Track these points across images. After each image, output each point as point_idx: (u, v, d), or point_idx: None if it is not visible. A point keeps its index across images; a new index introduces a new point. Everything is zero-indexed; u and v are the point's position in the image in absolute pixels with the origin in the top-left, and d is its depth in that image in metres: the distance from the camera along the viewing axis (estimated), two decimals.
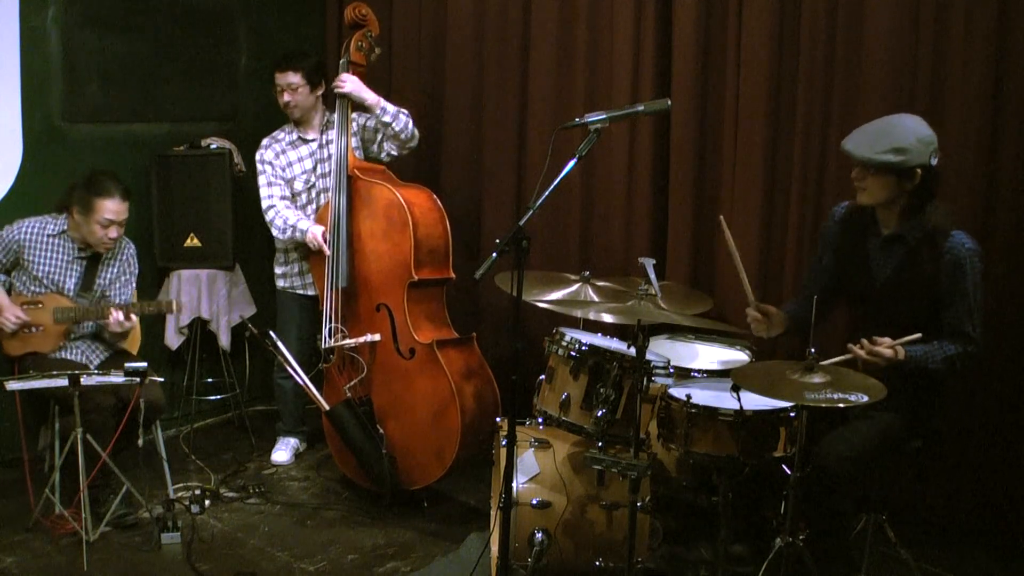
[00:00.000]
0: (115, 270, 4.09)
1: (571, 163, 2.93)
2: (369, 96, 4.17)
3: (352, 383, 4.05)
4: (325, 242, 4.11)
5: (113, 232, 3.92)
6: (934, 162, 3.03)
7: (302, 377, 4.03)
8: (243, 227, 4.77)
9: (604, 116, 2.97)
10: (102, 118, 4.62)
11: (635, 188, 4.32)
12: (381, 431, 3.99)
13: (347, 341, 4.06)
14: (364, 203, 4.10)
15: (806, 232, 3.93)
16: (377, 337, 4.03)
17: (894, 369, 2.99)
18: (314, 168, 4.37)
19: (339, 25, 5.33)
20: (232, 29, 5.09)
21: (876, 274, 3.19)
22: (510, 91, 4.67)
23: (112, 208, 3.88)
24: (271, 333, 4.07)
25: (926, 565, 3.47)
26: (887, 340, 2.96)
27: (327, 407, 4.00)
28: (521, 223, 2.84)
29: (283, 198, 4.34)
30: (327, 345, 4.10)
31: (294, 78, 4.28)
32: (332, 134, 4.29)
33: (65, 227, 3.98)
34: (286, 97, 4.31)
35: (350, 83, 4.17)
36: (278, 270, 4.48)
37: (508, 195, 4.71)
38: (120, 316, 3.85)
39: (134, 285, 4.19)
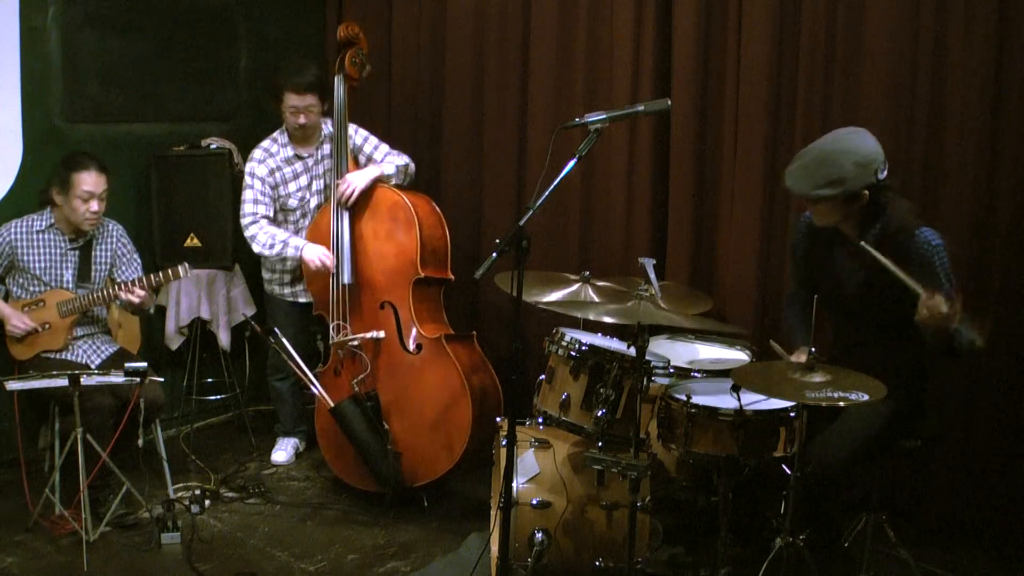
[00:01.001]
0: (108, 254, 4.10)
1: (571, 163, 2.93)
2: (373, 176, 4.12)
3: (358, 378, 4.06)
4: (328, 260, 4.07)
5: (94, 205, 3.91)
6: (881, 176, 2.99)
7: (307, 373, 4.05)
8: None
9: (604, 116, 2.97)
10: (102, 118, 4.62)
11: (635, 188, 4.32)
12: (386, 427, 4.00)
13: (351, 337, 4.07)
14: (365, 205, 4.13)
15: None
16: (381, 334, 4.05)
17: (889, 359, 3.00)
18: (309, 184, 4.32)
19: (339, 26, 5.33)
20: (232, 29, 5.08)
21: (846, 281, 3.17)
22: (510, 91, 4.67)
23: (90, 180, 3.88)
24: (275, 330, 4.09)
25: (926, 565, 3.46)
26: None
27: (332, 404, 4.01)
28: (521, 223, 2.83)
29: (265, 217, 4.25)
30: (333, 341, 4.11)
31: (312, 99, 4.15)
32: (327, 148, 4.29)
33: (52, 220, 3.99)
34: (302, 119, 4.16)
35: (353, 182, 4.07)
36: (266, 275, 4.47)
37: (508, 195, 4.71)
38: (127, 294, 3.83)
39: (139, 260, 4.20)
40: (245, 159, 4.78)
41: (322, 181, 4.32)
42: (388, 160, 4.25)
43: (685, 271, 4.19)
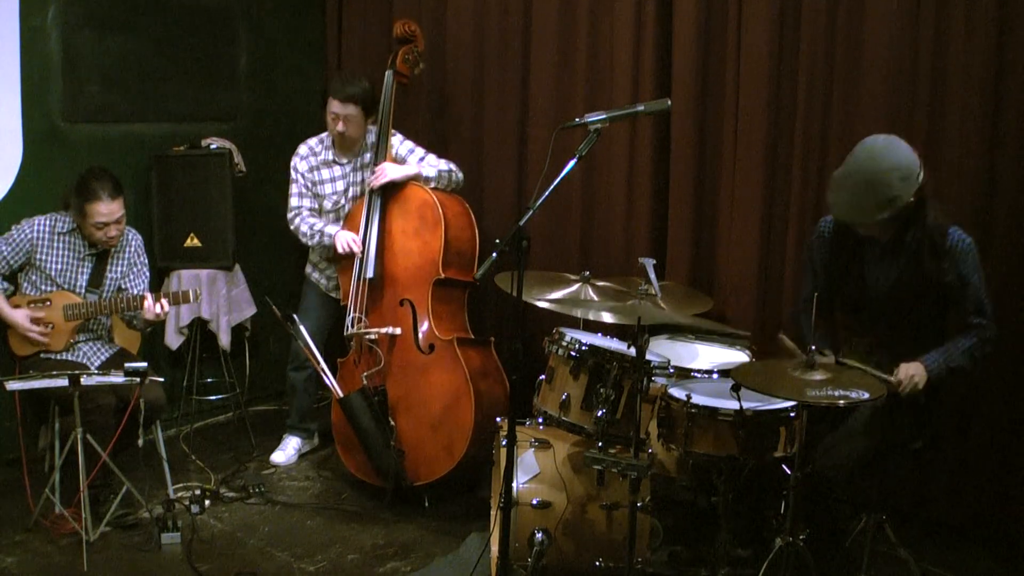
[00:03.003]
0: (124, 264, 4.09)
1: (571, 163, 2.93)
2: (408, 172, 4.15)
3: (369, 372, 4.07)
4: (356, 245, 4.12)
5: (112, 231, 3.91)
6: (920, 181, 2.99)
7: (320, 362, 4.07)
8: (243, 227, 4.76)
9: (604, 116, 2.98)
10: (102, 118, 4.62)
11: (635, 188, 4.32)
12: (392, 423, 4.01)
13: (368, 331, 4.09)
14: (397, 201, 4.16)
15: (806, 232, 3.92)
16: (398, 331, 4.07)
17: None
18: (346, 190, 4.34)
19: (339, 26, 5.34)
20: (232, 29, 5.09)
21: (873, 284, 3.17)
22: (510, 91, 4.67)
23: (103, 211, 3.86)
24: (294, 316, 4.12)
25: (926, 565, 3.46)
26: (906, 367, 3.00)
27: (341, 394, 4.02)
28: (521, 223, 2.84)
29: (311, 210, 4.35)
30: (348, 332, 4.13)
31: (352, 110, 4.18)
32: (367, 157, 4.30)
33: (74, 225, 3.98)
34: (340, 127, 4.20)
35: (386, 174, 4.12)
36: (313, 257, 4.51)
37: (508, 195, 4.71)
38: (153, 304, 3.81)
39: (147, 273, 4.19)
40: (245, 159, 4.80)
41: (359, 188, 4.32)
42: (430, 164, 4.26)
43: (685, 271, 4.19)
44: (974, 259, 3.06)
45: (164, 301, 3.85)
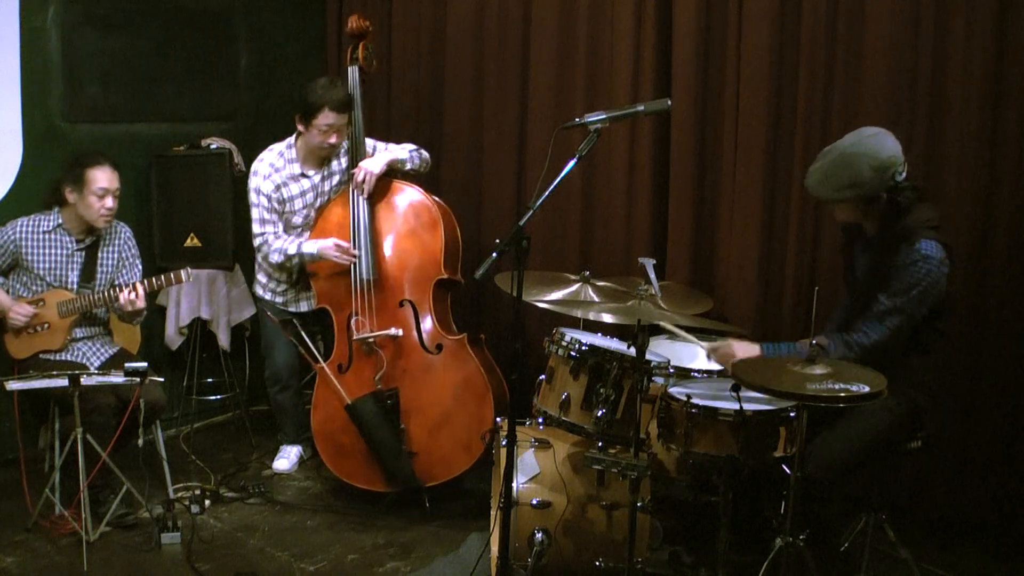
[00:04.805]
0: (114, 255, 4.09)
1: (571, 163, 2.93)
2: (386, 160, 4.09)
3: (378, 375, 4.05)
4: (347, 249, 4.03)
5: (109, 202, 3.90)
6: (899, 179, 3.04)
7: (323, 365, 4.06)
8: (243, 227, 4.75)
9: (604, 116, 2.98)
10: (102, 118, 4.62)
11: (635, 188, 4.32)
12: (402, 426, 4.00)
13: (369, 334, 4.06)
14: (384, 201, 4.13)
15: (806, 232, 3.94)
16: (399, 332, 4.05)
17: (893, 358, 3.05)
18: (314, 201, 4.20)
19: (339, 26, 5.34)
20: (232, 29, 5.09)
21: (858, 271, 3.27)
22: (510, 91, 4.67)
23: (104, 176, 3.88)
24: (293, 320, 4.10)
25: (926, 565, 3.46)
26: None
27: (349, 400, 4.00)
28: (521, 223, 2.84)
29: (275, 235, 4.17)
30: (357, 337, 4.07)
31: (346, 118, 4.02)
32: (335, 165, 4.21)
33: (59, 221, 3.97)
34: (334, 139, 4.02)
35: (367, 167, 4.04)
36: (262, 278, 4.35)
37: (508, 195, 4.71)
38: (129, 294, 3.80)
39: (140, 266, 4.18)
40: (245, 159, 4.79)
41: (327, 197, 4.22)
42: (399, 147, 4.21)
43: (685, 271, 4.19)
44: (917, 272, 3.00)
45: (140, 288, 3.81)
